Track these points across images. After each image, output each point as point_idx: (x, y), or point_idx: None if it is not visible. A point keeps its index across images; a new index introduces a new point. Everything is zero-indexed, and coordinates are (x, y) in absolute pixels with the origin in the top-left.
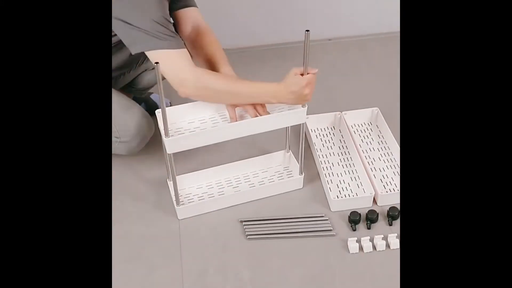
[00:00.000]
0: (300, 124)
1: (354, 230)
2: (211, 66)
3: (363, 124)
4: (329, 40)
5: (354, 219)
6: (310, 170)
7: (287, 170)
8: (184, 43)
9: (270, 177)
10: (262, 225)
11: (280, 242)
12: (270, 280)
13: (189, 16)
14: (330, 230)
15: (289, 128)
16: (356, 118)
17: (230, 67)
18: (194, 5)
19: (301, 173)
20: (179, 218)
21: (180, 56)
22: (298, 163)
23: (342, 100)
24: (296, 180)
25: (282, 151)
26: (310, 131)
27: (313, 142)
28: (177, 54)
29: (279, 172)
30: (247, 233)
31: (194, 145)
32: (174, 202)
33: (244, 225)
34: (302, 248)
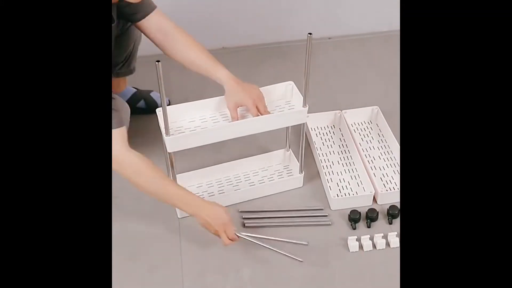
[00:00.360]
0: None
1: (354, 228)
2: (204, 72)
3: (363, 123)
4: (329, 38)
5: (354, 218)
6: (310, 168)
7: (287, 169)
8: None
9: (270, 175)
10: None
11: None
12: (270, 279)
13: (153, 23)
14: (327, 220)
15: (289, 127)
16: (356, 116)
17: (223, 66)
18: (153, 9)
19: (301, 171)
20: (179, 216)
21: (115, 136)
22: (298, 161)
23: (342, 98)
24: (296, 178)
25: (282, 150)
26: (310, 129)
27: (313, 140)
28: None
29: (279, 171)
30: (245, 223)
31: (195, 144)
32: None
33: (244, 217)
34: (302, 247)
